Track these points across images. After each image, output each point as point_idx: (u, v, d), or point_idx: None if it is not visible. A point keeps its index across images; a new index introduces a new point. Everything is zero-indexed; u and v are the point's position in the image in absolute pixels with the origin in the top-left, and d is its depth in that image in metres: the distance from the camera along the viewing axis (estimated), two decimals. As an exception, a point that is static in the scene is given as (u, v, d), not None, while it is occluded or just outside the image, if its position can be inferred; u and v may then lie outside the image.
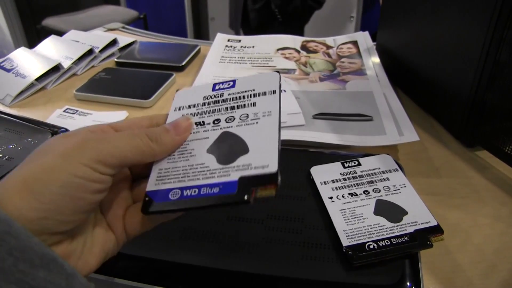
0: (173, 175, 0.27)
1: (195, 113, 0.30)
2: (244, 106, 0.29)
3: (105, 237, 0.27)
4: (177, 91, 0.33)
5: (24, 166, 0.24)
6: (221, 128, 0.29)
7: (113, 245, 0.27)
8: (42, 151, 0.25)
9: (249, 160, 0.25)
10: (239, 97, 0.30)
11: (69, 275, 0.22)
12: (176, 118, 0.30)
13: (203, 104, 0.31)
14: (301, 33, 1.83)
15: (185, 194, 0.26)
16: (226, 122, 0.29)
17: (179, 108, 0.31)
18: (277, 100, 0.29)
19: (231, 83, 0.31)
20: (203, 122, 0.30)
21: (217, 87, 0.31)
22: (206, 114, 0.30)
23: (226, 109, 0.30)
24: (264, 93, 0.29)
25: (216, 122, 0.29)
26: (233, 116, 0.29)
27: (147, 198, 0.27)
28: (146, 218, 0.27)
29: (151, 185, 0.28)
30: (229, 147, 0.27)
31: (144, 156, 0.27)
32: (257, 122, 0.28)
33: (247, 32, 1.90)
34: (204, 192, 0.25)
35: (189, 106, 0.31)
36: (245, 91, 0.30)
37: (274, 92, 0.29)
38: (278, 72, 0.30)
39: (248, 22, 1.83)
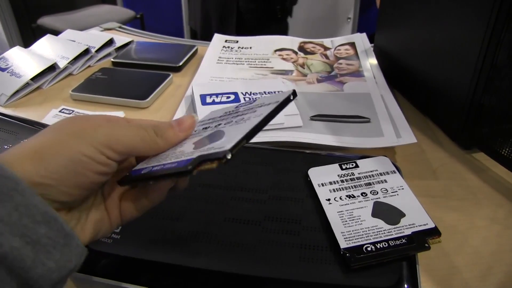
0: (156, 158, 0.30)
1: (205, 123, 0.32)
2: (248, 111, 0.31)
3: (99, 218, 0.29)
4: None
5: (35, 138, 0.26)
6: (216, 126, 0.30)
7: (106, 226, 0.29)
8: (55, 128, 0.27)
9: (214, 145, 0.27)
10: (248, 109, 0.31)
11: (67, 235, 0.24)
12: (182, 116, 0.32)
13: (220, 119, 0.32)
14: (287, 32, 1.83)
15: (153, 169, 0.28)
16: (223, 122, 0.31)
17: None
18: (272, 108, 0.29)
19: (252, 100, 0.33)
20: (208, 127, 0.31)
21: (240, 108, 0.32)
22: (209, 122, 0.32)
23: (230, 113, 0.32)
24: (269, 104, 0.30)
25: (207, 125, 0.31)
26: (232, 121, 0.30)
27: (127, 173, 0.30)
28: (138, 203, 0.30)
29: (137, 166, 0.30)
30: (208, 138, 0.29)
31: (149, 148, 0.29)
32: (243, 119, 0.29)
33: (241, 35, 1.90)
34: (166, 167, 0.27)
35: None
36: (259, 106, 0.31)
37: (277, 101, 0.29)
38: (294, 91, 0.30)
39: (242, 25, 1.81)
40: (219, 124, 0.31)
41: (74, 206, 0.27)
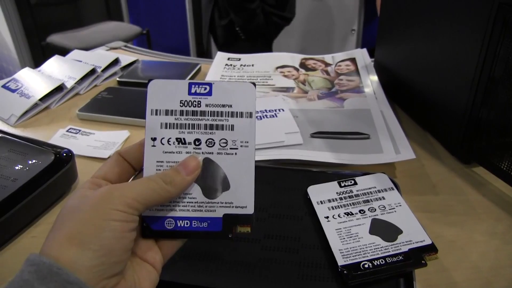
0: (169, 206, 0.31)
1: (174, 125, 0.31)
2: (222, 127, 0.31)
3: (145, 270, 0.30)
4: (149, 80, 0.33)
5: (60, 226, 0.27)
6: (202, 153, 0.31)
7: (155, 274, 0.30)
8: (70, 211, 0.27)
9: (231, 197, 0.30)
10: (217, 113, 0.31)
11: None
12: (185, 158, 0.31)
13: (181, 112, 0.31)
14: (269, 49, 1.81)
15: (179, 224, 0.30)
16: (207, 146, 0.31)
17: (156, 112, 0.31)
18: (253, 126, 0.31)
19: (208, 89, 0.32)
20: (184, 140, 0.31)
21: (193, 90, 0.32)
22: (186, 129, 0.31)
23: (205, 127, 0.31)
24: (241, 114, 0.31)
25: (197, 143, 0.31)
26: (212, 140, 0.31)
27: (144, 224, 0.30)
28: (180, 241, 0.31)
29: (148, 213, 0.30)
30: (213, 180, 0.30)
31: (161, 197, 0.29)
32: (235, 153, 0.31)
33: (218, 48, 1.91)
34: (195, 225, 0.30)
35: (166, 112, 0.31)
36: (223, 106, 0.31)
37: (250, 115, 0.31)
38: (253, 83, 0.31)
39: (216, 39, 1.84)
40: (199, 141, 0.31)
41: (125, 271, 0.28)
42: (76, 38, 2.18)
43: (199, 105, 0.31)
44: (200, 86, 0.32)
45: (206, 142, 0.31)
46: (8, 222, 0.43)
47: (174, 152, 0.31)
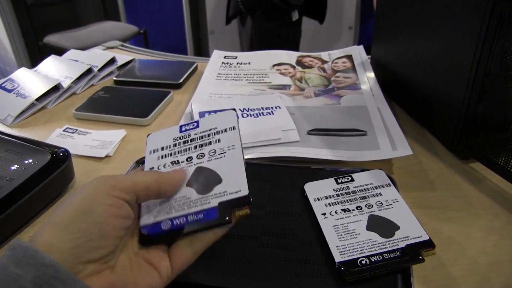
0: (160, 208, 0.31)
1: (168, 154, 0.35)
2: (210, 143, 0.34)
3: (145, 270, 0.29)
4: (148, 135, 0.37)
5: (56, 216, 0.27)
6: (194, 164, 0.33)
7: (157, 278, 0.29)
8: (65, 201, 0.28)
9: (224, 188, 0.31)
10: (205, 136, 0.35)
11: None
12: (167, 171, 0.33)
13: (174, 145, 0.35)
14: (271, 36, 1.86)
15: (174, 223, 0.30)
16: (198, 158, 0.34)
17: (153, 151, 0.36)
18: (238, 135, 0.34)
19: (195, 124, 0.36)
20: (178, 161, 0.34)
21: (183, 129, 0.36)
22: (178, 153, 0.35)
23: (195, 147, 0.35)
24: (226, 130, 0.35)
25: (189, 159, 0.34)
26: (202, 153, 0.34)
27: (142, 232, 0.31)
28: (190, 252, 0.31)
29: (144, 220, 0.31)
30: (205, 179, 0.32)
31: (152, 188, 0.30)
32: (224, 156, 0.33)
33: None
34: (191, 219, 0.30)
35: (162, 148, 0.36)
36: (209, 130, 0.35)
37: (233, 128, 0.35)
38: (233, 109, 0.36)
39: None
40: (191, 158, 0.34)
41: (114, 264, 0.28)
42: (73, 38, 2.17)
43: (189, 136, 0.36)
44: (189, 124, 0.37)
45: (197, 157, 0.34)
46: (4, 222, 0.43)
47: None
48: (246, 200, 0.30)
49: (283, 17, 1.84)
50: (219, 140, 0.34)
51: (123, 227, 0.28)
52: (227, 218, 0.29)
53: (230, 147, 0.33)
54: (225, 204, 0.30)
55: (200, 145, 0.34)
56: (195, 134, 0.35)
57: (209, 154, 0.33)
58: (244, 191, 0.30)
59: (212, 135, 0.35)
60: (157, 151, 0.35)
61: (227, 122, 0.35)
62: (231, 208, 0.30)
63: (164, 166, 0.34)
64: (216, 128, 0.35)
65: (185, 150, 0.35)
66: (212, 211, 0.30)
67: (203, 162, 0.33)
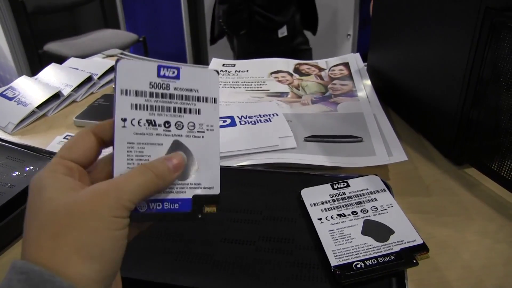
0: None
1: (143, 106, 0.32)
2: (190, 111, 0.32)
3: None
4: (117, 60, 0.32)
5: (53, 230, 0.25)
6: (172, 135, 0.32)
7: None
8: (61, 212, 0.26)
9: (199, 179, 0.31)
10: (185, 97, 0.33)
11: None
12: (170, 154, 0.31)
13: (151, 94, 0.32)
14: (254, 50, 1.86)
15: (151, 207, 0.30)
16: (177, 128, 0.32)
17: (126, 92, 0.31)
18: (217, 113, 0.33)
19: (175, 72, 0.33)
20: (154, 122, 0.32)
21: (162, 72, 0.32)
22: (155, 111, 0.32)
23: (174, 110, 0.32)
24: (207, 99, 0.33)
25: (167, 125, 0.32)
26: (181, 122, 0.32)
27: None
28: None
29: None
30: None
31: (151, 192, 0.29)
32: (202, 137, 0.32)
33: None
34: (167, 207, 0.30)
35: (136, 93, 0.32)
36: (190, 90, 0.33)
37: (214, 101, 0.33)
38: (216, 71, 0.34)
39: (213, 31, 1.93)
40: (169, 123, 0.32)
41: None
42: (73, 46, 2.19)
43: (168, 88, 0.32)
44: (169, 69, 0.32)
45: (175, 125, 0.32)
46: (5, 228, 0.44)
47: (144, 134, 0.31)
48: (216, 199, 0.31)
49: (269, 35, 1.83)
50: (199, 112, 0.32)
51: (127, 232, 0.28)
52: (200, 215, 0.31)
53: (209, 127, 0.32)
54: (198, 198, 0.31)
55: (180, 109, 0.32)
56: (175, 89, 0.32)
57: (188, 128, 0.32)
58: (216, 189, 0.31)
59: (192, 99, 0.33)
60: (129, 93, 0.31)
61: (209, 88, 0.33)
62: (202, 204, 0.31)
63: (139, 123, 0.31)
64: (197, 91, 0.33)
65: (163, 108, 0.32)
66: (186, 203, 0.30)
67: (181, 135, 0.32)
